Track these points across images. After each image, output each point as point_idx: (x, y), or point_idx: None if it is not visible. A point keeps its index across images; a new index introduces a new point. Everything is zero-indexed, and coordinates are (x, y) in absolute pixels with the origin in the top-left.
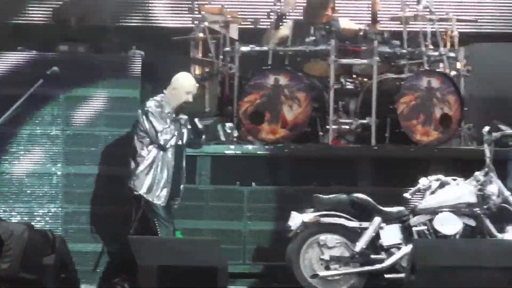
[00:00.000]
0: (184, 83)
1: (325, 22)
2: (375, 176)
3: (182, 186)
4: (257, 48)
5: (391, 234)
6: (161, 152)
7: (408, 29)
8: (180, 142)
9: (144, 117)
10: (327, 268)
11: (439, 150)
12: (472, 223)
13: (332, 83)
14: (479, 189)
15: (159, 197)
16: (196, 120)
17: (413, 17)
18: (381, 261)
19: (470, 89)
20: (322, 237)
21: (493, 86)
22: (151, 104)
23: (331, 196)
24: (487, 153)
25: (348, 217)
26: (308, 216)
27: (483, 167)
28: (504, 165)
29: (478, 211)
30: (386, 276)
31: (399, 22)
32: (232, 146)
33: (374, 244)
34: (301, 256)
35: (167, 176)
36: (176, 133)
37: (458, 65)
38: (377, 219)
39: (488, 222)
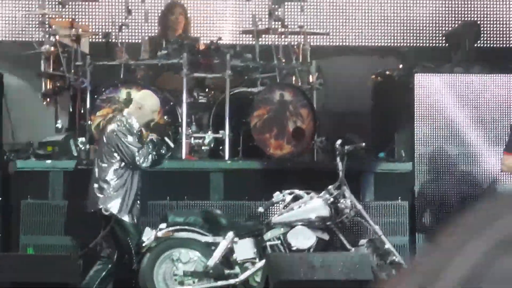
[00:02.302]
0: (151, 102)
1: (178, 35)
2: (228, 190)
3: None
4: (109, 62)
5: (245, 249)
6: (131, 171)
7: (260, 43)
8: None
9: (114, 137)
10: (181, 283)
11: (292, 163)
12: (325, 236)
13: (185, 96)
14: (332, 202)
15: (132, 215)
16: (166, 138)
17: (265, 30)
18: (235, 275)
19: (323, 102)
20: (176, 252)
21: (346, 99)
22: (120, 123)
23: (184, 210)
24: (340, 166)
25: (202, 231)
26: (162, 231)
27: (336, 180)
28: (357, 178)
29: (331, 225)
30: None
31: (251, 35)
32: (84, 161)
33: (228, 259)
34: (154, 272)
35: (135, 195)
36: (150, 152)
37: (311, 78)
38: (230, 234)
39: (341, 236)
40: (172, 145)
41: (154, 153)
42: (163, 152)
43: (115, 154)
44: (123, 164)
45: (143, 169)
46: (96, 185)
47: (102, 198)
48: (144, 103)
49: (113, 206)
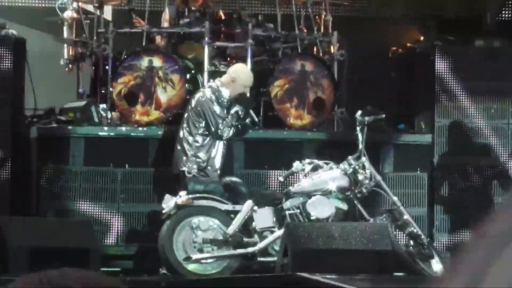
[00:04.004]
0: (244, 77)
1: (200, 4)
2: (248, 159)
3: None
4: (131, 29)
5: (264, 217)
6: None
7: (282, 12)
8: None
9: (203, 104)
10: (200, 251)
11: (313, 133)
12: (344, 206)
13: (206, 65)
14: (352, 173)
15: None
16: (251, 112)
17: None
18: (254, 244)
19: (344, 73)
20: (195, 219)
21: (367, 70)
22: (211, 92)
23: (204, 178)
24: (360, 137)
25: (222, 199)
26: (181, 198)
27: (355, 151)
28: (377, 150)
29: (351, 195)
30: (259, 259)
31: (272, 5)
32: (105, 128)
33: (247, 227)
34: (174, 239)
35: (220, 162)
36: (233, 124)
37: (332, 49)
38: (250, 202)
39: (360, 206)
40: (256, 119)
41: (237, 124)
42: (247, 124)
43: (201, 120)
44: (206, 131)
45: (222, 139)
46: (179, 148)
47: (185, 161)
48: (238, 76)
49: (195, 169)
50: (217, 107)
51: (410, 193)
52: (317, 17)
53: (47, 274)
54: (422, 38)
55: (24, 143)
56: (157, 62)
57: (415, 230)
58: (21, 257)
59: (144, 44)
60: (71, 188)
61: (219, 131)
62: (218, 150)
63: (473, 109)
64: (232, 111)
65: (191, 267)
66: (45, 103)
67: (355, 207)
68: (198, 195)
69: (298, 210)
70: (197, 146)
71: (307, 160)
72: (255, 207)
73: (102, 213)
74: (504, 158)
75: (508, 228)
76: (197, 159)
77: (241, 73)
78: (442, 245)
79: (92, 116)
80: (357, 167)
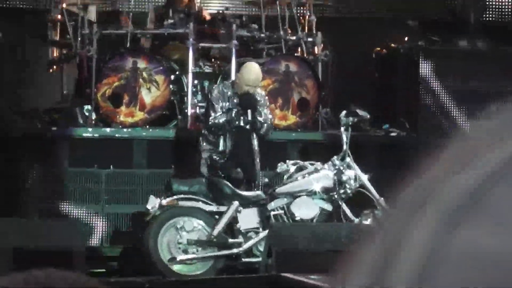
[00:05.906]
0: (246, 74)
1: (185, 5)
2: None
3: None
4: (116, 31)
5: (248, 218)
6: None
7: (266, 13)
8: (243, 125)
9: (208, 97)
10: (185, 251)
11: (297, 134)
12: (328, 207)
13: (191, 66)
14: (336, 174)
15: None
16: (249, 113)
17: (271, 0)
18: (238, 245)
19: (328, 73)
20: (180, 220)
21: (351, 71)
22: (213, 87)
23: (189, 179)
24: (344, 138)
25: (206, 200)
26: (166, 199)
27: (340, 151)
28: (361, 150)
29: (335, 196)
30: (244, 259)
31: (257, 6)
32: (90, 129)
33: (232, 228)
34: (158, 240)
35: (219, 154)
36: (227, 119)
37: (316, 50)
38: (234, 203)
39: (344, 207)
40: (242, 124)
41: (223, 122)
42: (236, 124)
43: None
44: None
45: (215, 134)
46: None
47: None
48: (241, 73)
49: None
50: (215, 99)
51: None
52: (301, 17)
53: (33, 274)
54: (406, 38)
55: (8, 143)
56: (141, 63)
57: None
58: (6, 258)
59: (128, 45)
60: (56, 189)
61: (209, 123)
62: (220, 144)
63: (456, 110)
64: (230, 108)
65: (176, 268)
66: (30, 104)
67: (339, 208)
68: (182, 196)
69: (283, 211)
70: (201, 140)
71: (292, 161)
72: (240, 208)
73: (86, 214)
74: None
75: (418, 195)
76: (205, 155)
77: (244, 70)
78: None
79: (76, 117)
80: (341, 168)
